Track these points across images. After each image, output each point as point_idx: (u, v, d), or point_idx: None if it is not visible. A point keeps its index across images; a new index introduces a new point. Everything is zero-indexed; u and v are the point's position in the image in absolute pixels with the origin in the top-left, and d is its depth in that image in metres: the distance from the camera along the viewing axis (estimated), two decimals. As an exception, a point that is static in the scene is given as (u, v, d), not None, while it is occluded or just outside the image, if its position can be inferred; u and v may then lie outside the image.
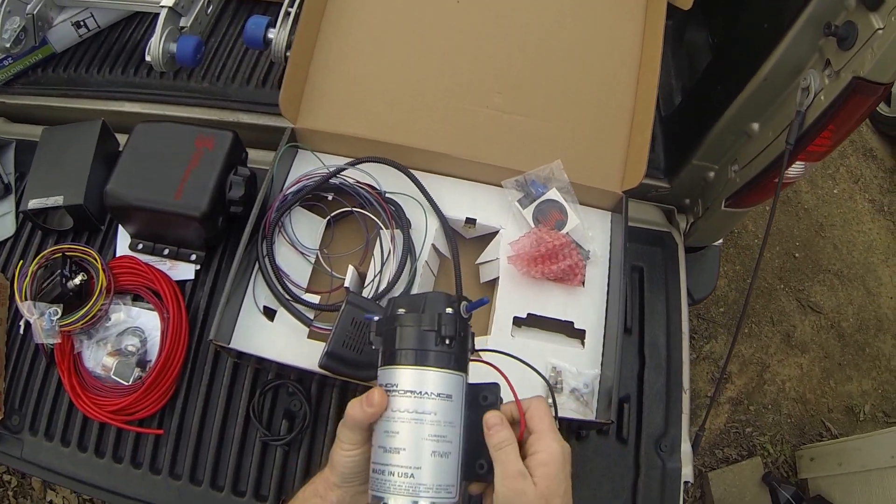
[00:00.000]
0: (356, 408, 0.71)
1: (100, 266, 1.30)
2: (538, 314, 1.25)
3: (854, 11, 1.05)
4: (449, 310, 0.73)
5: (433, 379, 0.71)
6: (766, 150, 1.30)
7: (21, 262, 1.43)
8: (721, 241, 1.77)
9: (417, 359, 0.71)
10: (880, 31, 0.98)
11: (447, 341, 0.72)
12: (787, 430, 2.75)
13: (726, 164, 1.44)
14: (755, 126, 1.34)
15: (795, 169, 1.27)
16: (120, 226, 1.43)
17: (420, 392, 0.70)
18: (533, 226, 1.29)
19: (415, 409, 0.69)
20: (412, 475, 0.68)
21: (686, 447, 1.34)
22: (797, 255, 3.15)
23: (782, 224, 3.20)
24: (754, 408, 2.76)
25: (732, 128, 1.37)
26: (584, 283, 1.27)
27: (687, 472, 1.32)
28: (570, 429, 1.29)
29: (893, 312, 3.12)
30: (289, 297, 1.19)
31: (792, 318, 2.98)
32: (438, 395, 0.70)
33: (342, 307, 1.09)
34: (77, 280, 1.27)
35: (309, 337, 1.18)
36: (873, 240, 3.29)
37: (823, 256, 3.18)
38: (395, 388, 0.71)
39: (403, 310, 0.74)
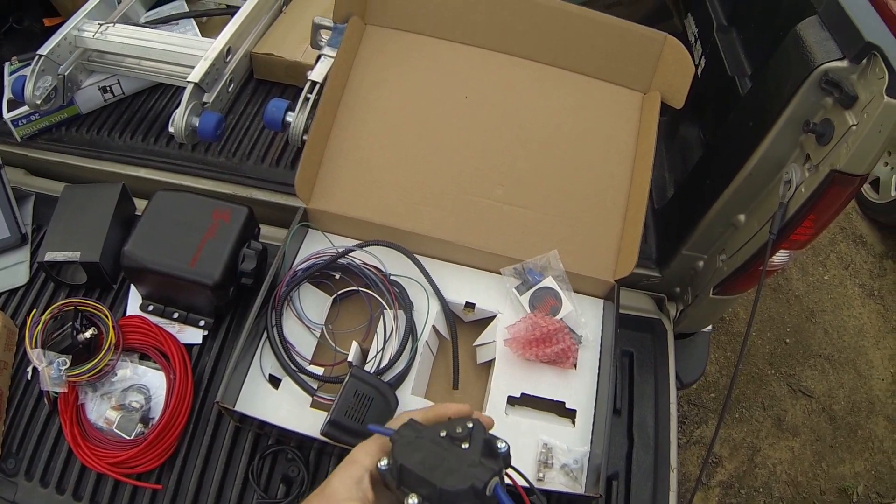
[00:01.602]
0: None
1: (110, 322, 1.33)
2: (531, 394, 1.28)
3: (831, 110, 1.11)
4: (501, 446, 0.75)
5: None
6: (752, 240, 1.35)
7: (33, 311, 1.46)
8: (710, 327, 1.81)
9: None
10: (854, 127, 1.04)
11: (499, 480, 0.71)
12: (779, 514, 2.74)
13: (714, 253, 1.49)
14: (741, 217, 1.39)
15: (780, 257, 1.31)
16: (132, 286, 1.46)
17: None
18: (529, 311, 1.33)
19: None
20: None
21: (674, 526, 1.36)
22: (788, 340, 3.18)
23: (773, 311, 3.24)
24: (745, 491, 2.75)
25: (721, 219, 1.42)
26: (576, 366, 1.31)
27: (676, 551, 1.34)
28: (559, 502, 1.31)
29: (885, 394, 3.13)
30: (294, 368, 1.23)
31: (783, 402, 3.00)
32: None
33: (346, 379, 1.13)
34: (87, 334, 1.29)
35: (311, 406, 1.22)
36: (864, 324, 3.33)
37: (814, 341, 3.20)
38: None
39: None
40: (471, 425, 0.76)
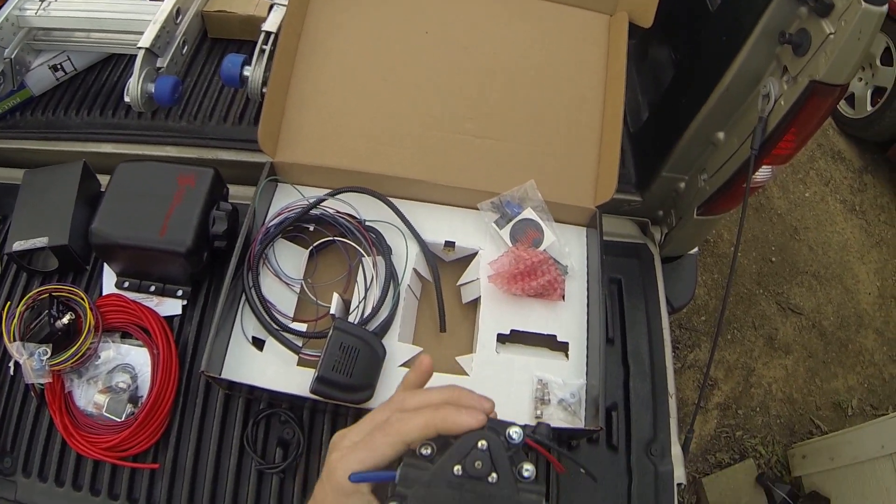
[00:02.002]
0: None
1: (87, 305, 1.30)
2: (521, 330, 1.27)
3: (806, 19, 1.09)
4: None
5: None
6: (733, 157, 1.34)
7: (8, 303, 1.43)
8: (697, 249, 1.81)
9: None
10: (832, 36, 1.03)
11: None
12: (777, 431, 2.78)
13: (696, 173, 1.48)
14: (721, 135, 1.38)
15: (762, 173, 1.31)
16: (105, 264, 1.43)
17: None
18: (510, 245, 1.31)
19: None
20: None
21: (676, 450, 1.37)
22: (773, 259, 3.20)
23: (757, 230, 3.26)
24: (743, 411, 2.79)
25: (699, 138, 1.40)
26: (564, 298, 1.30)
27: (679, 475, 1.34)
28: (560, 439, 1.30)
29: (872, 308, 3.18)
30: (277, 327, 1.21)
31: (773, 321, 3.03)
32: None
33: (330, 333, 1.11)
34: (65, 319, 1.26)
35: (298, 364, 1.20)
36: (847, 239, 3.36)
37: (800, 259, 3.23)
38: None
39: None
40: (485, 445, 0.60)
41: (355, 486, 0.62)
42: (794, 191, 3.47)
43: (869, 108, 3.58)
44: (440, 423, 0.61)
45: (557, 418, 1.20)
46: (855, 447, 2.32)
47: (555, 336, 1.27)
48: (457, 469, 0.59)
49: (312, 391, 1.10)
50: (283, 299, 1.27)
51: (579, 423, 1.20)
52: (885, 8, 0.98)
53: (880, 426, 2.28)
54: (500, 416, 0.66)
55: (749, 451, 2.71)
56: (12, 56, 1.60)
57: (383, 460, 0.62)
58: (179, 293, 1.40)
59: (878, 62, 3.55)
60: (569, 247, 1.35)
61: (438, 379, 1.14)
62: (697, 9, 1.41)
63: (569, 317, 1.29)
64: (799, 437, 2.78)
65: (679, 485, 1.34)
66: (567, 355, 1.26)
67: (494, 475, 0.59)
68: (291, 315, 1.27)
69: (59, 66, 1.75)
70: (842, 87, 1.09)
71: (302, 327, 1.24)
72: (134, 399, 1.29)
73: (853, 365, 3.01)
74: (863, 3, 0.96)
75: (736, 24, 1.22)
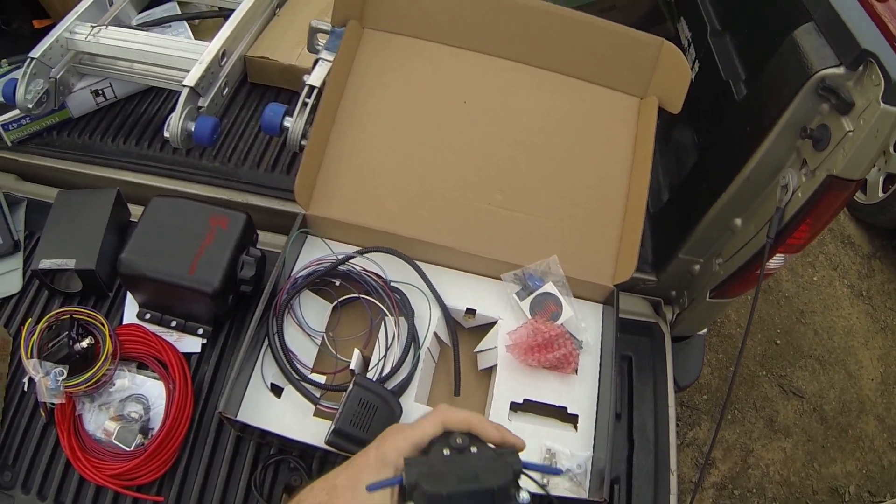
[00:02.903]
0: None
1: (107, 331, 1.31)
2: (534, 400, 1.28)
3: (827, 115, 1.13)
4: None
5: None
6: (749, 244, 1.36)
7: (28, 320, 1.40)
8: (706, 330, 1.83)
9: None
10: (850, 133, 1.06)
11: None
12: (772, 514, 2.76)
13: (711, 257, 1.50)
14: (738, 221, 1.40)
15: (776, 261, 1.33)
16: (129, 294, 1.45)
17: None
18: (530, 317, 1.34)
19: None
20: None
21: (674, 527, 1.37)
22: (778, 341, 3.20)
23: (763, 312, 3.26)
24: (739, 492, 2.76)
25: (717, 223, 1.43)
26: (577, 371, 1.32)
27: (677, 553, 1.34)
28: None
29: (875, 394, 3.15)
30: (296, 376, 1.23)
31: (775, 403, 3.02)
32: None
33: (350, 387, 1.13)
34: (84, 343, 1.28)
35: (314, 415, 1.21)
36: (853, 324, 3.36)
37: (804, 342, 3.23)
38: None
39: None
40: (462, 437, 0.78)
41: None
42: (803, 274, 3.48)
43: (881, 194, 3.60)
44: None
45: (563, 488, 1.20)
46: (850, 535, 2.30)
47: (566, 408, 1.29)
48: (445, 451, 0.76)
49: (328, 442, 1.11)
50: (303, 349, 1.29)
51: (583, 494, 1.20)
52: None
53: (877, 516, 2.27)
54: None
55: (743, 531, 2.69)
56: (57, 76, 1.63)
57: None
58: (200, 331, 1.42)
59: (891, 149, 3.59)
60: (585, 322, 1.37)
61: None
62: (723, 97, 1.45)
63: (580, 390, 1.31)
64: (794, 521, 2.75)
65: (675, 565, 1.34)
66: (576, 427, 1.28)
67: (475, 448, 0.76)
68: (311, 366, 1.29)
69: (100, 92, 1.79)
70: (857, 182, 1.12)
71: (321, 379, 1.26)
72: (144, 430, 1.30)
73: (853, 451, 2.99)
74: (882, 103, 1.00)
75: (760, 116, 1.26)
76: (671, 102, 1.44)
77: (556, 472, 0.90)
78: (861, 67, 1.06)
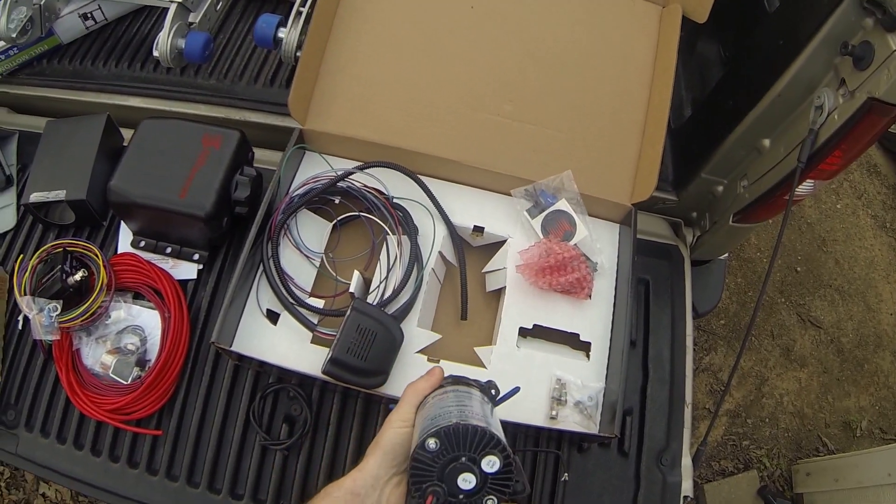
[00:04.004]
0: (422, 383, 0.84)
1: (101, 262, 1.28)
2: (544, 325, 1.24)
3: (871, 31, 1.05)
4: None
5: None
6: (777, 167, 1.30)
7: (21, 255, 1.41)
8: (727, 254, 1.77)
9: None
10: None
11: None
12: (784, 444, 2.75)
13: (735, 178, 1.44)
14: (766, 142, 1.34)
15: (805, 187, 1.27)
16: (122, 222, 1.41)
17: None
18: (542, 236, 1.28)
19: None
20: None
21: (687, 461, 1.35)
22: (799, 269, 3.15)
23: (785, 238, 3.18)
24: (752, 421, 2.75)
25: (743, 143, 1.36)
26: (590, 296, 1.26)
27: (687, 487, 1.33)
28: (571, 441, 1.29)
29: (893, 329, 3.12)
30: (293, 301, 1.18)
31: (792, 332, 2.98)
32: None
33: (347, 313, 1.08)
34: (77, 276, 1.25)
35: (312, 342, 1.17)
36: (875, 256, 3.29)
37: (825, 271, 3.18)
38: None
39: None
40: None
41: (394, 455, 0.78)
42: (827, 201, 3.40)
43: (912, 122, 3.50)
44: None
45: (573, 421, 1.17)
46: (861, 471, 2.28)
47: (578, 335, 1.24)
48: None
49: (325, 372, 1.08)
50: (301, 273, 1.25)
51: (594, 428, 1.17)
52: None
53: (890, 453, 2.24)
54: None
55: (754, 461, 2.68)
56: (42, 2, 1.56)
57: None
58: (196, 257, 1.38)
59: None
60: (600, 243, 1.31)
61: (455, 369, 1.12)
62: (753, 8, 1.37)
63: (594, 316, 1.26)
64: (805, 453, 2.74)
65: (686, 497, 1.32)
66: (588, 356, 1.24)
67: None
68: (309, 290, 1.24)
69: (89, 15, 1.72)
70: None
71: (319, 303, 1.21)
72: (142, 362, 1.28)
73: (867, 385, 2.97)
74: None
75: (795, 29, 1.18)
76: (696, 11, 1.35)
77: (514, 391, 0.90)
78: (913, -21, 0.97)
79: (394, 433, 0.78)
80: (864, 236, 3.34)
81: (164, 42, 1.43)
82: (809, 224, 3.28)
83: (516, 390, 0.90)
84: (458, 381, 0.85)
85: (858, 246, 3.29)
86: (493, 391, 0.86)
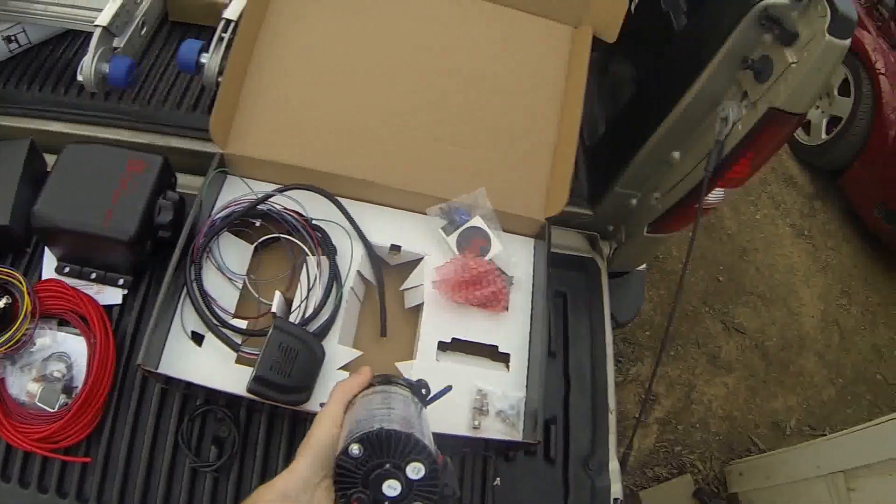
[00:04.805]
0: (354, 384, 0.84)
1: (25, 289, 1.26)
2: (463, 339, 1.26)
3: (770, 46, 1.11)
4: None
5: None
6: (687, 178, 1.36)
7: None
8: (645, 265, 1.83)
9: None
10: (794, 65, 1.05)
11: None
12: (716, 447, 2.82)
13: (648, 191, 1.49)
14: (676, 155, 1.39)
15: (715, 195, 1.33)
16: (46, 248, 1.39)
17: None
18: (457, 253, 1.31)
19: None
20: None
21: (614, 465, 1.38)
22: (721, 278, 3.26)
23: (706, 249, 3.31)
24: (682, 427, 2.83)
25: (654, 156, 1.41)
26: (507, 309, 1.29)
27: (616, 490, 1.36)
28: (498, 450, 1.31)
29: (815, 331, 3.25)
30: (217, 322, 1.19)
31: (717, 339, 3.08)
32: None
33: (269, 332, 1.10)
34: (1, 303, 1.23)
35: (237, 362, 1.18)
36: (794, 262, 3.43)
37: (747, 279, 3.29)
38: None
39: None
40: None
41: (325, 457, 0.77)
42: (746, 212, 3.53)
43: (824, 135, 3.67)
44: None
45: (495, 430, 1.19)
46: (791, 466, 2.37)
47: (496, 347, 1.27)
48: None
49: (249, 391, 1.08)
50: (224, 294, 1.25)
51: (517, 436, 1.20)
52: (848, 42, 1.00)
53: (817, 447, 2.33)
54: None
55: (687, 466, 2.75)
56: (-37, 24, 1.53)
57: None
58: (121, 282, 1.37)
59: (835, 92, 3.65)
60: (515, 257, 1.35)
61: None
62: (662, 28, 1.43)
63: (511, 328, 1.29)
64: (737, 455, 2.82)
65: (616, 500, 1.36)
66: (508, 367, 1.26)
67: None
68: (233, 311, 1.24)
69: (13, 38, 1.69)
70: (800, 116, 1.12)
71: (242, 324, 1.22)
72: (68, 389, 1.27)
73: (793, 386, 3.08)
74: (827, 35, 0.98)
75: (699, 46, 1.24)
76: (607, 31, 1.41)
77: (446, 390, 0.91)
78: (806, -3, 1.03)
79: (323, 433, 0.78)
80: (783, 244, 3.47)
81: (88, 66, 1.41)
82: (730, 235, 3.40)
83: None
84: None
85: (778, 253, 3.43)
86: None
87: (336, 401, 0.82)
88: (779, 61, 1.08)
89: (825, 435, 2.82)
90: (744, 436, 2.89)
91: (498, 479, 1.30)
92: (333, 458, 0.73)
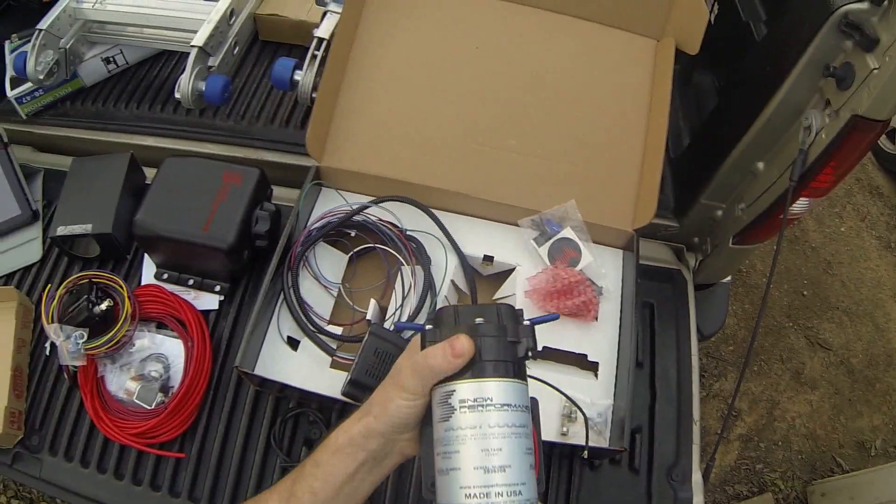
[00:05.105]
0: (439, 357, 0.66)
1: (126, 293, 1.32)
2: (553, 347, 1.28)
3: (851, 53, 1.09)
4: (527, 321, 0.72)
5: (522, 392, 0.68)
6: (772, 188, 1.33)
7: (48, 286, 1.44)
8: (730, 278, 1.80)
9: (508, 371, 0.67)
10: (876, 71, 1.02)
11: (530, 353, 0.70)
12: (798, 467, 2.74)
13: (733, 202, 1.47)
14: (760, 165, 1.37)
15: (800, 205, 1.30)
16: (146, 255, 1.45)
17: (515, 405, 0.66)
18: (548, 263, 1.32)
19: (513, 423, 0.65)
20: (520, 492, 0.63)
21: (697, 477, 1.36)
22: (805, 293, 3.16)
23: (790, 263, 3.22)
24: (764, 444, 2.75)
25: (739, 167, 1.40)
26: (597, 318, 1.30)
27: (698, 502, 1.34)
28: (584, 458, 1.31)
29: (903, 347, 3.12)
30: (313, 328, 1.23)
31: (801, 355, 2.99)
32: (526, 407, 0.68)
33: (366, 338, 1.13)
34: (103, 305, 1.28)
35: (331, 367, 1.21)
36: (881, 276, 3.31)
37: (831, 294, 3.19)
38: (489, 401, 0.65)
39: (482, 319, 0.69)
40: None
41: (394, 426, 0.71)
42: (830, 224, 3.43)
43: (910, 143, 3.55)
44: None
45: (583, 436, 1.19)
46: (877, 488, 2.28)
47: (586, 355, 1.28)
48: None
49: (344, 394, 1.11)
50: (320, 302, 1.29)
51: (604, 443, 1.20)
52: None
53: (903, 469, 2.25)
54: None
55: (768, 484, 2.67)
56: (67, 46, 1.63)
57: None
58: (217, 288, 1.42)
59: (921, 98, 3.52)
60: (605, 268, 1.36)
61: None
62: (743, 37, 1.41)
63: (601, 337, 1.30)
64: (819, 475, 2.73)
65: (697, 511, 1.33)
66: (596, 375, 1.27)
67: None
68: (327, 318, 1.28)
69: (111, 59, 1.79)
70: (883, 123, 1.09)
71: (337, 330, 1.25)
72: (165, 388, 1.32)
73: (879, 404, 2.96)
74: None
75: (781, 55, 1.22)
76: (689, 43, 1.41)
77: (554, 317, 0.80)
78: (886, 2, 1.01)
79: (403, 409, 0.70)
80: (869, 257, 3.35)
81: (185, 84, 1.48)
82: (814, 248, 3.30)
83: (555, 316, 0.82)
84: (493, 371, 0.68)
85: (864, 267, 3.31)
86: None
87: (419, 377, 0.69)
88: (860, 68, 1.06)
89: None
90: (827, 455, 2.79)
91: (585, 452, 1.26)
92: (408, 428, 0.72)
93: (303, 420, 1.32)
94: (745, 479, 2.67)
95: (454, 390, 0.67)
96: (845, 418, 2.88)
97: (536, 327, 0.73)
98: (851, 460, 2.79)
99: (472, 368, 0.67)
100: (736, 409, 2.77)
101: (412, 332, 0.74)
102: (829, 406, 2.89)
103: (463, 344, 0.65)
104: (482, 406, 0.65)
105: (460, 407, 0.66)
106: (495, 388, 0.66)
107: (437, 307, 0.73)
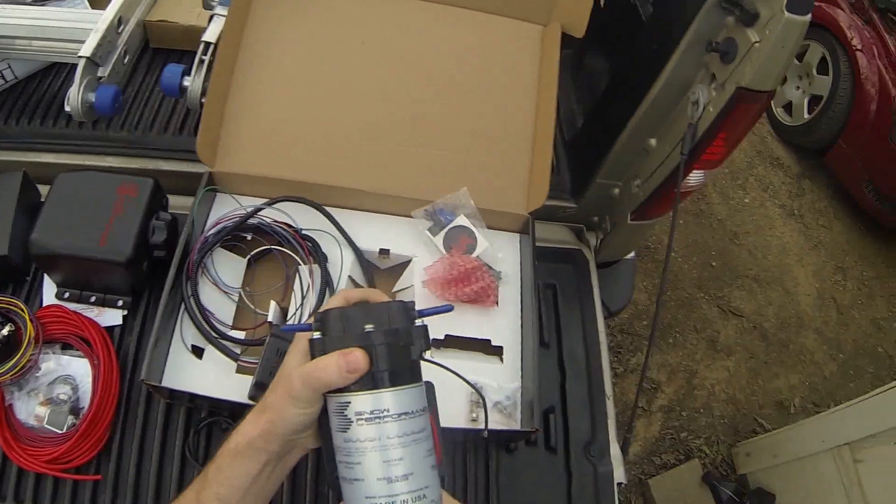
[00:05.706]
0: (332, 372, 0.65)
1: (27, 316, 1.28)
2: (456, 335, 1.29)
3: (732, 28, 1.15)
4: (420, 321, 0.72)
5: (419, 395, 0.68)
6: (665, 163, 1.38)
7: None
8: (633, 254, 1.85)
9: (405, 378, 0.67)
10: (757, 45, 1.08)
11: (423, 354, 0.70)
12: (721, 431, 2.84)
13: (629, 179, 1.52)
14: (653, 141, 1.42)
15: (695, 178, 1.36)
16: (45, 275, 1.41)
17: (412, 412, 0.66)
18: (444, 252, 1.34)
19: (412, 430, 0.66)
20: (424, 495, 0.65)
21: (615, 450, 1.40)
22: (714, 263, 3.28)
23: (697, 236, 3.34)
24: (686, 413, 2.84)
25: (632, 145, 1.44)
26: (497, 303, 1.32)
27: (619, 474, 1.37)
28: (498, 442, 1.33)
29: (812, 308, 3.27)
30: (215, 335, 1.21)
31: (715, 324, 3.10)
32: (424, 409, 0.68)
33: (267, 340, 1.13)
34: (4, 331, 1.24)
35: (237, 372, 1.20)
36: (786, 243, 3.45)
37: (740, 263, 3.32)
38: (386, 413, 0.65)
39: (371, 326, 0.68)
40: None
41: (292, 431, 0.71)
42: (734, 197, 3.56)
43: (806, 115, 3.71)
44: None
45: (493, 421, 1.21)
46: (797, 443, 2.39)
47: (489, 340, 1.30)
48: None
49: (251, 397, 1.11)
50: (221, 308, 1.28)
51: (515, 426, 1.22)
52: (808, 17, 1.03)
53: (820, 422, 2.36)
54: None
55: (694, 451, 2.77)
56: (-50, 63, 1.56)
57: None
58: (120, 303, 1.39)
59: (814, 71, 3.69)
60: (502, 253, 1.38)
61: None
62: (631, 19, 1.46)
63: (503, 322, 1.32)
64: (743, 436, 2.84)
65: (619, 484, 1.37)
66: (501, 359, 1.29)
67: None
68: (230, 323, 1.27)
69: (-1, 74, 1.72)
70: (768, 94, 1.14)
71: (240, 335, 1.25)
72: (75, 410, 1.28)
73: (794, 364, 3.10)
74: (786, 12, 1.01)
75: (666, 33, 1.27)
76: (575, 27, 1.44)
77: (447, 309, 0.80)
78: (764, -23, 1.06)
79: (298, 417, 0.70)
80: (773, 226, 3.50)
81: (74, 97, 1.44)
82: (720, 220, 3.43)
83: (449, 308, 0.82)
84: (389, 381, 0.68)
85: (769, 235, 3.46)
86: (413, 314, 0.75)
87: (308, 386, 0.68)
88: (742, 42, 1.11)
89: (828, 410, 2.84)
90: (749, 417, 2.91)
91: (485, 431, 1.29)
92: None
93: (216, 428, 1.31)
94: (671, 448, 2.76)
95: (349, 402, 0.67)
96: (763, 380, 3.01)
97: (437, 316, 0.74)
98: (772, 420, 2.91)
99: (366, 379, 0.66)
100: (656, 382, 2.85)
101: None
102: (746, 370, 3.01)
103: (358, 359, 0.65)
104: (379, 418, 0.65)
105: (357, 419, 0.66)
106: (392, 399, 0.66)
107: (322, 309, 0.71)
